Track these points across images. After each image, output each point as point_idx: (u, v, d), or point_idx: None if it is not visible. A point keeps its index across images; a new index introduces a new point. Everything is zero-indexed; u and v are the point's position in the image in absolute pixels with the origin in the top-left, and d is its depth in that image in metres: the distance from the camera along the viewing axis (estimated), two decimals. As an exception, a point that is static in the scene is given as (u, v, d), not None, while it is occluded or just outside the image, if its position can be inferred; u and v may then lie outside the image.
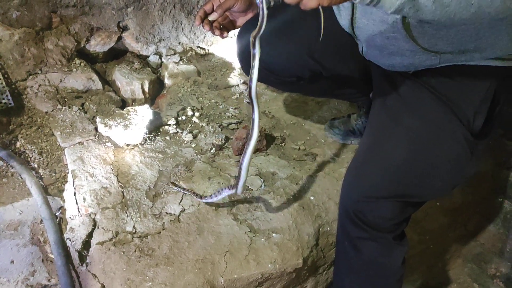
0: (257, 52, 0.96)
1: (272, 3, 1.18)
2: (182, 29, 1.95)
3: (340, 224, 1.23)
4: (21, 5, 1.57)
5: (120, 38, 1.85)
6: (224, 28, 1.32)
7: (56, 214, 1.32)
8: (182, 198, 1.34)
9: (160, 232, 1.24)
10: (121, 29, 1.82)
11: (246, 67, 1.43)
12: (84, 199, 1.30)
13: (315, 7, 0.84)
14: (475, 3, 0.84)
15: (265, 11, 0.91)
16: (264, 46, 1.29)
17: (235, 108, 1.78)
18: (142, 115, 1.56)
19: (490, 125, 1.16)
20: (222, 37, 1.32)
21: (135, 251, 1.19)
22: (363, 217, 1.13)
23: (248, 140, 1.08)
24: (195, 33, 2.00)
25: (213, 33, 1.30)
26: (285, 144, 1.62)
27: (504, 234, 1.81)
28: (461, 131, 1.10)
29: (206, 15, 1.26)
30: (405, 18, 1.07)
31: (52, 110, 1.58)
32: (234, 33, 1.40)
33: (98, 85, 1.72)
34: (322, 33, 1.00)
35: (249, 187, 1.41)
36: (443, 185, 1.15)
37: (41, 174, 1.39)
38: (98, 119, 1.52)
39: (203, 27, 1.25)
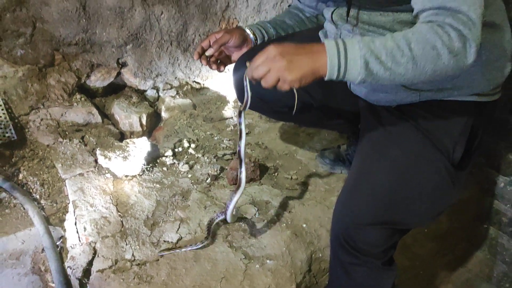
0: (242, 122, 1.20)
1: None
2: (179, 65, 2.04)
3: (332, 250, 1.28)
4: (25, 44, 1.66)
5: (119, 73, 1.93)
6: (220, 63, 1.42)
7: (57, 244, 1.36)
8: (179, 227, 1.40)
9: (158, 260, 1.29)
10: (120, 65, 1.91)
11: (241, 97, 1.52)
12: (85, 228, 1.35)
13: (287, 90, 1.02)
14: (428, 69, 0.95)
15: (249, 92, 1.15)
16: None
17: (229, 140, 1.85)
18: (140, 147, 1.63)
19: (469, 156, 1.24)
20: (219, 71, 1.42)
21: (134, 278, 1.23)
22: (353, 244, 1.18)
23: (236, 190, 1.26)
24: (190, 69, 2.09)
25: (210, 67, 1.40)
26: (278, 174, 1.69)
27: (491, 260, 1.86)
28: (441, 161, 1.18)
29: (204, 51, 1.36)
30: None
31: (54, 143, 1.64)
32: (229, 68, 1.49)
33: (98, 118, 1.79)
34: (295, 109, 1.18)
35: (244, 215, 1.46)
36: (427, 213, 1.22)
37: (43, 204, 1.44)
38: (98, 151, 1.58)
39: (201, 61, 1.36)
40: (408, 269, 1.73)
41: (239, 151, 1.23)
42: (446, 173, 1.18)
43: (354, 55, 0.95)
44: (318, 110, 1.49)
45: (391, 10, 1.09)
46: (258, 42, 1.45)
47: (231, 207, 1.29)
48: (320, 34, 1.43)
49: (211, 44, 1.36)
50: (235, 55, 1.45)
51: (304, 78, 0.99)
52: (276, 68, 1.00)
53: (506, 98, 1.61)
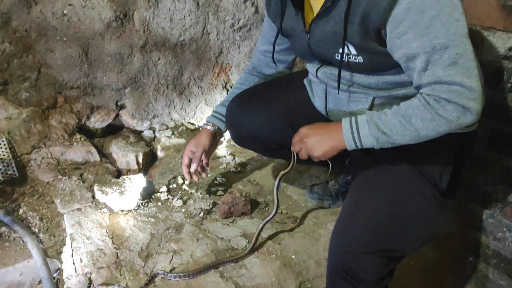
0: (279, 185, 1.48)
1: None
2: (174, 107, 2.16)
3: (329, 280, 1.32)
4: (30, 87, 1.77)
5: (117, 115, 2.03)
6: (202, 169, 1.63)
7: (54, 275, 1.41)
8: (172, 258, 1.45)
9: (151, 289, 1.34)
10: (118, 107, 2.02)
11: (239, 142, 1.70)
12: (81, 259, 1.40)
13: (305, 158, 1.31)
14: (432, 135, 1.13)
15: (295, 160, 1.42)
16: (251, 114, 1.51)
17: (222, 177, 1.93)
18: (136, 183, 1.70)
19: (454, 185, 1.33)
20: (204, 176, 1.66)
21: (127, 308, 1.28)
22: (351, 272, 1.22)
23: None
24: (185, 110, 2.20)
25: (197, 179, 1.62)
26: (268, 208, 1.76)
27: (478, 293, 1.90)
28: (430, 190, 1.26)
29: (189, 169, 1.59)
30: (371, 107, 1.28)
31: (53, 180, 1.72)
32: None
33: (96, 157, 1.88)
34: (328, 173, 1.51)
35: (235, 247, 1.52)
36: (418, 239, 1.28)
37: (41, 238, 1.50)
38: (95, 187, 1.65)
39: (192, 178, 1.59)
40: (397, 302, 1.76)
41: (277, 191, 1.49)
42: (434, 200, 1.26)
43: (365, 134, 1.17)
44: None
45: (377, 74, 1.23)
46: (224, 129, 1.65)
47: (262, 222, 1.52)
48: (305, 82, 1.55)
49: (192, 161, 1.58)
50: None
51: (328, 153, 1.24)
52: (305, 148, 1.28)
53: (482, 135, 1.73)
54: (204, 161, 1.62)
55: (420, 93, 1.13)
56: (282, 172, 1.46)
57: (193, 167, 1.58)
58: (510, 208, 1.71)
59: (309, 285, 1.48)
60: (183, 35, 2.02)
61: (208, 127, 1.61)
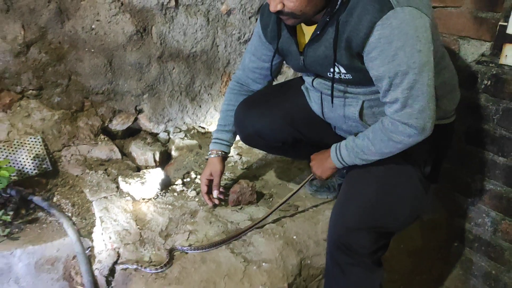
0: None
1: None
2: (187, 112, 2.39)
3: (329, 254, 1.52)
4: (62, 93, 2.00)
5: (136, 119, 2.27)
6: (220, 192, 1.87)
7: (86, 252, 1.62)
8: (188, 236, 1.66)
9: (171, 261, 1.54)
10: (137, 112, 2.25)
11: (246, 141, 1.90)
12: (110, 237, 1.61)
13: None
14: (394, 151, 1.42)
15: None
16: (256, 117, 1.74)
17: (230, 173, 2.14)
18: (155, 175, 1.92)
19: (437, 171, 1.56)
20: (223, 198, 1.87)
21: (151, 275, 1.48)
22: (348, 246, 1.43)
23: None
24: (197, 115, 2.43)
25: (218, 202, 1.85)
26: (272, 199, 1.96)
27: (463, 276, 2.09)
28: (416, 174, 1.50)
29: (209, 195, 1.83)
30: (361, 114, 1.52)
31: (82, 174, 1.94)
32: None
33: (118, 155, 2.10)
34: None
35: (243, 228, 1.73)
36: (405, 217, 1.51)
37: (74, 221, 1.71)
38: (120, 178, 1.88)
39: (214, 202, 1.83)
40: (388, 283, 1.95)
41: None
42: (419, 183, 1.50)
43: (345, 156, 1.51)
44: (308, 145, 1.81)
45: (365, 86, 1.45)
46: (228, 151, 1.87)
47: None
48: (303, 88, 1.77)
49: (211, 189, 1.83)
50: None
51: (326, 173, 1.63)
52: (313, 171, 1.69)
53: (461, 132, 1.95)
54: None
55: (382, 117, 1.39)
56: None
57: (216, 193, 1.82)
58: (488, 196, 1.92)
59: (308, 261, 1.68)
60: (195, 47, 2.26)
61: (215, 155, 1.82)
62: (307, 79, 1.64)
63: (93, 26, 1.97)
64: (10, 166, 1.74)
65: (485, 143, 1.88)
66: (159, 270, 1.48)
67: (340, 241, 1.44)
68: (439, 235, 2.09)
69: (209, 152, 1.84)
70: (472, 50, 1.87)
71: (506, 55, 1.76)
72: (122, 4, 1.99)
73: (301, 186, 1.77)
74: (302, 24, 1.46)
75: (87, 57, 2.01)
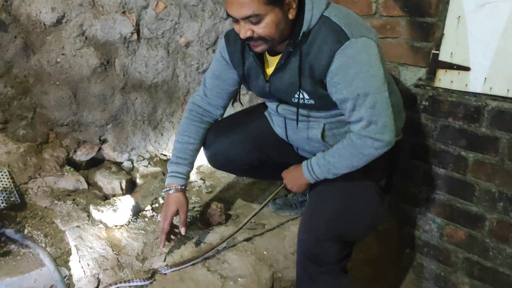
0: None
1: None
2: (149, 140, 2.46)
3: (299, 264, 1.64)
4: (27, 125, 2.02)
5: (100, 149, 2.31)
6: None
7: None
8: (165, 258, 1.72)
9: (152, 282, 1.60)
10: (101, 142, 2.29)
11: (216, 165, 2.00)
12: (88, 264, 1.64)
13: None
14: (363, 162, 1.57)
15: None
16: (227, 143, 1.86)
17: (196, 196, 2.23)
18: (126, 202, 1.97)
19: (390, 183, 1.75)
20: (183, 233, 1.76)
21: (134, 296, 1.53)
22: (317, 255, 1.55)
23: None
24: (159, 143, 2.51)
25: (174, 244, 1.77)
26: (239, 219, 2.07)
27: (416, 280, 2.29)
28: (373, 187, 1.67)
29: (168, 235, 1.72)
30: (323, 136, 1.68)
31: (50, 205, 1.95)
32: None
33: (85, 185, 2.13)
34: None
35: (217, 248, 1.82)
36: (366, 226, 1.67)
37: (49, 251, 1.72)
38: (91, 206, 1.91)
39: (170, 242, 1.75)
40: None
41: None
42: (377, 195, 1.67)
43: (317, 172, 1.63)
44: (273, 167, 1.93)
45: (325, 110, 1.62)
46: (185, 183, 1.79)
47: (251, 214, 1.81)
48: (266, 114, 1.91)
49: (180, 226, 1.73)
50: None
51: (302, 188, 1.74)
52: (289, 188, 1.78)
53: (407, 148, 2.17)
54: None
55: (349, 134, 1.55)
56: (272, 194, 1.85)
57: (183, 231, 1.72)
58: (433, 204, 2.14)
59: (279, 274, 1.79)
60: (156, 77, 2.36)
61: (175, 190, 1.74)
62: (271, 105, 1.78)
63: (58, 60, 2.02)
64: (-21, 200, 1.73)
65: (427, 157, 2.11)
66: (146, 282, 1.55)
67: (309, 252, 1.57)
68: (392, 243, 2.28)
69: (167, 188, 1.75)
70: (410, 75, 2.11)
71: (440, 79, 2.01)
72: (86, 38, 2.07)
73: (268, 201, 1.84)
74: (267, 55, 1.61)
75: (52, 90, 2.05)
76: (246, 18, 1.39)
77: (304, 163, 1.68)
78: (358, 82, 1.42)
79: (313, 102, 1.57)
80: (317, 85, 1.51)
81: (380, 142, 1.49)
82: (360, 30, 1.43)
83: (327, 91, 1.51)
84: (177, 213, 1.73)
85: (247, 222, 1.81)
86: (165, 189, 1.77)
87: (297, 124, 1.66)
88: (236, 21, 1.43)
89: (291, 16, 1.43)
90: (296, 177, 1.73)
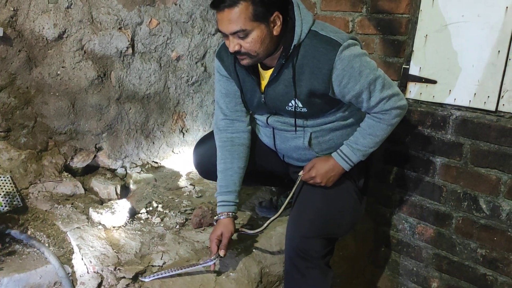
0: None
1: None
2: (142, 148, 2.60)
3: (288, 260, 1.78)
4: (28, 134, 2.14)
5: (95, 156, 2.44)
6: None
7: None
8: (162, 256, 1.86)
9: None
10: (97, 149, 2.42)
11: (203, 173, 2.13)
12: (90, 261, 1.77)
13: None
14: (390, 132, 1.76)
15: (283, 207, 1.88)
16: (208, 149, 2.01)
17: (188, 201, 2.38)
18: (122, 205, 2.10)
19: (367, 185, 1.93)
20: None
21: (134, 290, 1.67)
22: (305, 251, 1.70)
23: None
24: (151, 151, 2.65)
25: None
26: (228, 220, 2.22)
27: (391, 275, 2.47)
28: (353, 188, 1.84)
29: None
30: (310, 143, 1.84)
31: (51, 208, 2.07)
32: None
33: (82, 190, 2.25)
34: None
35: (209, 246, 1.96)
36: (347, 224, 1.84)
37: (52, 250, 1.84)
38: (91, 209, 2.04)
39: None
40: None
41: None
42: (356, 196, 1.85)
43: (353, 158, 1.77)
44: (259, 172, 2.10)
45: (313, 118, 1.79)
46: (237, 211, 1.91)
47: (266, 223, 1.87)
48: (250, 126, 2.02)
49: (219, 248, 1.77)
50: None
51: (332, 180, 1.82)
52: (317, 182, 1.82)
53: (381, 154, 2.37)
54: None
55: (370, 114, 1.72)
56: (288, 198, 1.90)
57: (223, 253, 1.76)
58: (405, 205, 2.34)
59: (267, 270, 1.95)
60: (149, 89, 2.51)
61: (226, 216, 1.84)
62: (261, 118, 1.91)
63: (58, 72, 2.15)
64: (-15, 203, 1.85)
65: (399, 162, 2.32)
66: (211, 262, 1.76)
67: (298, 248, 1.72)
68: (368, 242, 2.47)
69: (219, 214, 1.85)
70: (384, 88, 2.32)
71: (410, 91, 2.22)
72: (85, 52, 2.21)
73: (290, 196, 1.90)
74: (260, 69, 1.78)
75: (52, 100, 2.18)
76: (235, 33, 1.56)
77: (337, 157, 1.79)
78: (365, 71, 1.61)
79: (306, 110, 1.74)
80: (313, 97, 1.68)
81: (401, 108, 1.69)
82: (342, 35, 1.64)
83: (321, 100, 1.69)
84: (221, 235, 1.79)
85: (266, 226, 1.88)
86: (215, 216, 1.88)
87: (295, 130, 1.81)
88: (226, 36, 1.60)
89: (275, 32, 1.61)
90: (329, 171, 1.79)
